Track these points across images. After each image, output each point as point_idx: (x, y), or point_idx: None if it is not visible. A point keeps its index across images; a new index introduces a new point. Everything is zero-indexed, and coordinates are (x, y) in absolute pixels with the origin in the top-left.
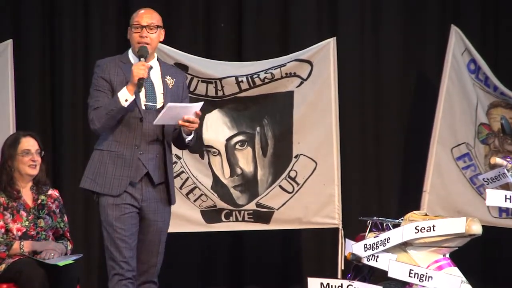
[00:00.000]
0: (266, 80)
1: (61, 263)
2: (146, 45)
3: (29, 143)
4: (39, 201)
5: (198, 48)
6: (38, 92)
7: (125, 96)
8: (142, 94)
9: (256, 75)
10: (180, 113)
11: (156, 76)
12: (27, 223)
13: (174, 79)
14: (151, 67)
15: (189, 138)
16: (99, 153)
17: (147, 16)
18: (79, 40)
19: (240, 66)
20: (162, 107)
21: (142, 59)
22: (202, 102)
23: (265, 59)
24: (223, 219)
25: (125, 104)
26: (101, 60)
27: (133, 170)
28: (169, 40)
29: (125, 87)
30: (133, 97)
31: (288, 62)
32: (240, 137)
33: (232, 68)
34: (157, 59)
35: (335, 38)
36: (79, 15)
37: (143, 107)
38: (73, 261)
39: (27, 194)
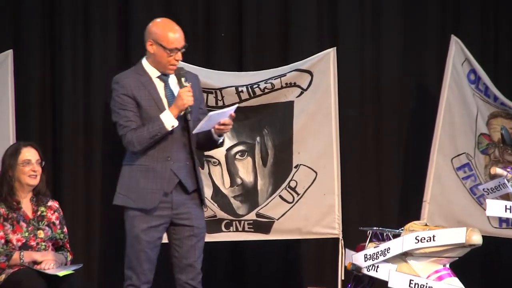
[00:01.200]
0: (266, 90)
1: (61, 273)
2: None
3: (30, 153)
4: (38, 213)
5: (198, 58)
6: (38, 102)
7: (171, 122)
8: (165, 103)
9: (256, 85)
10: (217, 119)
11: (173, 83)
12: (26, 234)
13: (190, 83)
14: (168, 75)
15: (221, 139)
16: (129, 168)
17: (181, 38)
18: (79, 51)
19: (240, 76)
20: (185, 114)
21: (186, 84)
22: (236, 105)
23: (265, 69)
24: (223, 229)
25: (170, 129)
26: (118, 76)
27: (166, 181)
28: None
29: (168, 111)
30: (177, 122)
31: (288, 72)
32: (240, 147)
33: (232, 78)
34: None
35: (335, 48)
36: (78, 22)
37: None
38: (73, 272)
39: (27, 205)
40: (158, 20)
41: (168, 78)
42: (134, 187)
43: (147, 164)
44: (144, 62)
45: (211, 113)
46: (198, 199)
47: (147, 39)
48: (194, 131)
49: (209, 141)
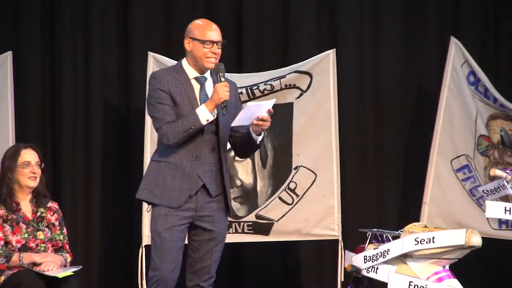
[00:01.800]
0: (266, 92)
1: (61, 275)
2: (222, 64)
3: (29, 155)
4: (38, 214)
5: None
6: (38, 104)
7: (206, 116)
8: (199, 104)
9: (256, 87)
10: (255, 112)
11: (210, 87)
12: (26, 235)
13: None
14: (205, 78)
15: (260, 138)
16: (157, 165)
17: (218, 32)
18: (79, 53)
19: (239, 77)
20: (217, 118)
21: (223, 79)
22: (275, 99)
23: (265, 70)
24: None
25: (205, 123)
26: (156, 72)
27: (193, 182)
28: (168, 51)
29: (204, 105)
30: (214, 116)
31: (288, 74)
32: None
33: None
34: (209, 71)
35: (334, 50)
36: (78, 23)
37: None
38: (72, 273)
39: (26, 207)
40: (195, 20)
41: (205, 80)
42: (161, 183)
43: (176, 162)
44: (184, 62)
45: (249, 103)
46: (223, 203)
47: (185, 39)
48: (233, 124)
49: (249, 141)
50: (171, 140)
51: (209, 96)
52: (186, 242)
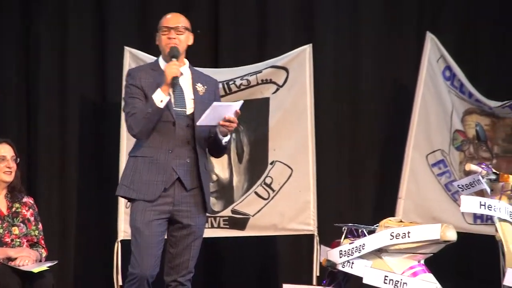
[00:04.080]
0: (242, 87)
1: (36, 269)
2: (176, 45)
3: (4, 150)
4: (13, 209)
5: None
6: (14, 100)
7: (160, 97)
8: (172, 98)
9: (232, 82)
10: (222, 113)
11: (186, 82)
12: (1, 230)
13: (206, 86)
14: (180, 73)
15: (226, 139)
16: (133, 160)
17: (174, 19)
18: (55, 44)
19: (216, 72)
20: (192, 113)
21: (174, 59)
22: (242, 101)
23: (241, 65)
24: None
25: (161, 105)
26: (132, 69)
27: (167, 175)
28: (145, 46)
29: (159, 88)
30: (168, 97)
31: (264, 69)
32: None
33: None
34: (189, 66)
35: (311, 45)
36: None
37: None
38: (47, 268)
39: (1, 202)
40: None
41: (180, 75)
42: (137, 178)
43: (151, 156)
44: (160, 58)
45: (215, 103)
46: (200, 197)
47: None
48: (198, 123)
49: (215, 142)
50: (134, 130)
51: (184, 90)
52: (166, 237)
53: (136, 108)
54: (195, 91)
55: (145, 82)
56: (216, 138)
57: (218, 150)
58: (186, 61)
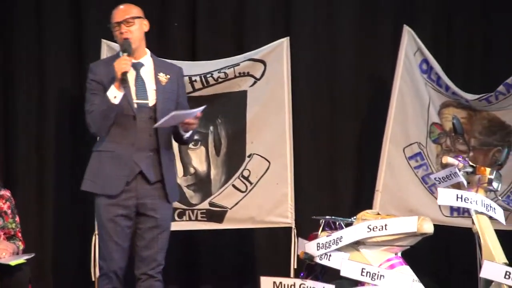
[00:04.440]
0: (220, 80)
1: (13, 262)
2: (128, 38)
3: None
4: None
5: (151, 47)
6: None
7: (113, 94)
8: (132, 92)
9: (210, 75)
10: (181, 118)
11: (147, 72)
12: None
13: (169, 76)
14: (141, 65)
15: (187, 135)
16: (97, 155)
17: (121, 13)
18: (32, 37)
19: (193, 65)
20: (155, 105)
21: (125, 54)
22: (205, 106)
23: (219, 58)
24: (176, 218)
25: (115, 101)
26: (93, 64)
27: (128, 169)
28: None
29: (112, 85)
30: (122, 93)
31: (242, 62)
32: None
33: (186, 68)
34: (151, 55)
35: (288, 38)
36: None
37: (135, 105)
38: (25, 261)
39: None
40: None
41: (141, 66)
42: (101, 173)
43: (114, 150)
44: (119, 51)
45: (174, 112)
46: (164, 190)
47: None
48: (155, 126)
49: (177, 136)
50: (92, 128)
51: (145, 81)
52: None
53: (94, 105)
54: (157, 81)
55: (104, 76)
56: (177, 131)
57: (181, 142)
58: (147, 51)
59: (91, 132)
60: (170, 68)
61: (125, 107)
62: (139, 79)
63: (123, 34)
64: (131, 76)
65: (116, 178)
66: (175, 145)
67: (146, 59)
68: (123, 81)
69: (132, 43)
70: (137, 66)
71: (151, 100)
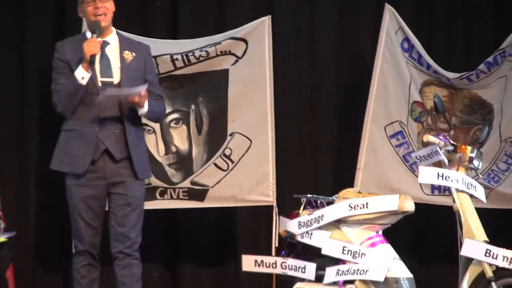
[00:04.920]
0: (201, 58)
1: None
2: (98, 20)
3: None
4: None
5: (133, 26)
6: None
7: (81, 74)
8: (97, 70)
9: (191, 53)
10: (122, 97)
11: (113, 50)
12: None
13: (134, 54)
14: (107, 43)
15: (140, 111)
16: (64, 134)
17: None
18: (11, 26)
19: (175, 44)
20: (119, 82)
21: (94, 35)
22: (147, 84)
23: (200, 37)
24: (158, 197)
25: (83, 82)
26: (59, 43)
27: (93, 147)
28: None
29: (80, 65)
30: (89, 74)
31: (223, 40)
32: (174, 115)
33: (167, 46)
34: (117, 33)
35: (270, 16)
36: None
37: (99, 83)
38: (6, 239)
39: None
40: None
41: (106, 45)
42: (68, 152)
43: (80, 129)
44: (86, 30)
45: (108, 89)
46: (130, 168)
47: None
48: (97, 99)
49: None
50: (59, 107)
51: (111, 59)
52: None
53: (60, 85)
54: (122, 59)
55: (71, 56)
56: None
57: (150, 120)
58: (113, 29)
59: (58, 111)
60: (137, 46)
61: (89, 85)
62: (104, 57)
63: (99, 9)
64: (97, 55)
65: (82, 156)
66: (157, 124)
67: (112, 37)
68: (92, 63)
69: (102, 23)
70: (102, 45)
71: (116, 78)
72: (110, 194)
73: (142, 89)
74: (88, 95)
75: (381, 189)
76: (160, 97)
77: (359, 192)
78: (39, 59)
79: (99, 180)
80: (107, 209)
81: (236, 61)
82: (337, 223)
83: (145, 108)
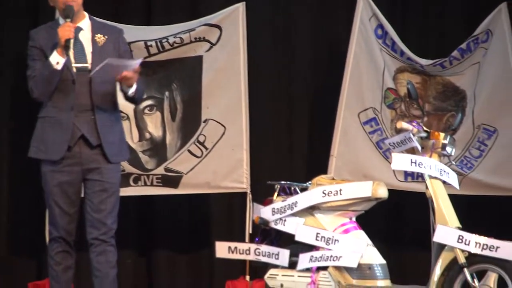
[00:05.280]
0: (175, 45)
1: None
2: (72, 4)
3: None
4: None
5: (106, 12)
6: None
7: (56, 59)
8: (71, 55)
9: (165, 40)
10: (119, 69)
11: (86, 36)
12: None
13: (106, 36)
14: (80, 29)
15: (130, 91)
16: (41, 121)
17: None
18: None
19: (149, 30)
20: (66, 48)
21: (68, 20)
22: (142, 58)
23: (174, 23)
24: (132, 183)
25: (58, 67)
26: (33, 30)
27: (70, 133)
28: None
29: (55, 51)
30: (64, 59)
31: (198, 27)
32: (149, 102)
33: (141, 33)
34: (89, 18)
35: (244, 3)
36: None
37: (74, 69)
38: None
39: None
40: None
41: (79, 30)
42: (44, 139)
43: (55, 116)
44: (59, 16)
45: (108, 59)
46: (105, 154)
47: None
48: (92, 73)
49: (122, 92)
50: (35, 92)
51: (85, 46)
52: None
53: (36, 71)
54: (94, 42)
55: (44, 42)
56: (121, 87)
57: (130, 100)
58: (86, 14)
59: (34, 97)
60: (109, 29)
61: (64, 72)
62: (77, 43)
63: None
64: (71, 41)
65: (58, 143)
66: (130, 109)
67: (85, 22)
68: (67, 48)
69: (75, 7)
70: (75, 31)
71: (90, 63)
72: (86, 181)
73: (138, 62)
74: (63, 81)
75: (354, 175)
76: None
77: (333, 179)
78: (13, 52)
79: (75, 166)
80: (83, 195)
81: (210, 47)
82: (311, 210)
83: (133, 88)
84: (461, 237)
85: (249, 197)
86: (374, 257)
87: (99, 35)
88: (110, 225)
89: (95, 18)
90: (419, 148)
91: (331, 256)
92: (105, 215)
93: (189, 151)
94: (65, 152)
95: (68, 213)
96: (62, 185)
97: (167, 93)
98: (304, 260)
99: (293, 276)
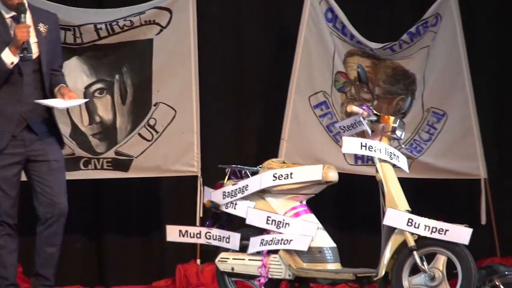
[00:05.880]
0: (125, 28)
1: None
2: (21, 1)
3: None
4: None
5: None
6: None
7: (10, 59)
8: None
9: (115, 23)
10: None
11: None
12: None
13: (47, 25)
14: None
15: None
16: None
17: None
18: None
19: (99, 13)
20: (39, 57)
21: (23, 20)
22: (87, 99)
23: (124, 6)
24: (82, 167)
25: (11, 67)
26: None
27: (14, 124)
28: None
29: (7, 48)
30: (18, 58)
31: (148, 10)
32: (99, 85)
33: (91, 15)
34: (28, 6)
35: None
36: None
37: (20, 60)
38: None
39: None
40: None
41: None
42: None
43: (0, 107)
44: (1, 6)
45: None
46: (53, 135)
47: None
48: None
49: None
50: None
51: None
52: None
53: None
54: (38, 33)
55: None
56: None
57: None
58: (25, 1)
59: None
60: (48, 17)
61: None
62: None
63: None
64: (13, 30)
65: (3, 132)
66: (80, 93)
67: (27, 12)
68: (23, 50)
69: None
70: (18, 19)
71: (35, 53)
72: (31, 162)
73: (83, 102)
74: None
75: (305, 159)
76: (61, 67)
77: (284, 162)
78: None
79: (18, 148)
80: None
81: (161, 30)
82: (262, 193)
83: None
84: (410, 220)
85: (199, 180)
86: (325, 241)
87: (41, 25)
88: (61, 202)
89: (29, 2)
90: (369, 131)
91: (282, 240)
92: (54, 193)
93: (140, 134)
94: (8, 141)
95: (11, 196)
96: (4, 168)
97: (117, 76)
98: (255, 243)
99: (244, 259)
